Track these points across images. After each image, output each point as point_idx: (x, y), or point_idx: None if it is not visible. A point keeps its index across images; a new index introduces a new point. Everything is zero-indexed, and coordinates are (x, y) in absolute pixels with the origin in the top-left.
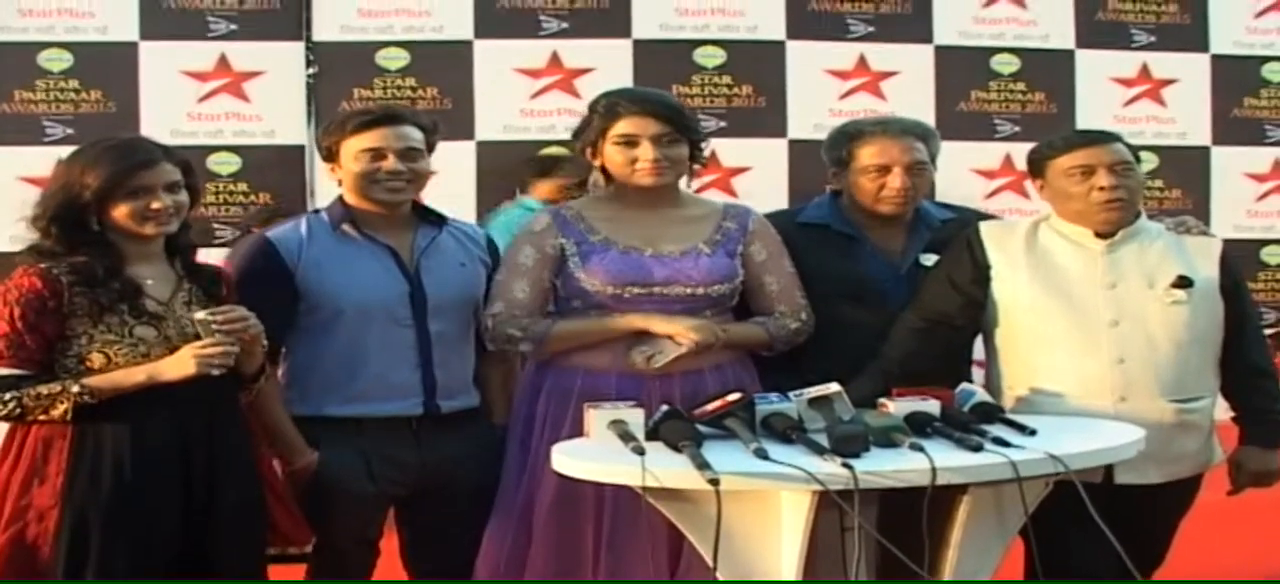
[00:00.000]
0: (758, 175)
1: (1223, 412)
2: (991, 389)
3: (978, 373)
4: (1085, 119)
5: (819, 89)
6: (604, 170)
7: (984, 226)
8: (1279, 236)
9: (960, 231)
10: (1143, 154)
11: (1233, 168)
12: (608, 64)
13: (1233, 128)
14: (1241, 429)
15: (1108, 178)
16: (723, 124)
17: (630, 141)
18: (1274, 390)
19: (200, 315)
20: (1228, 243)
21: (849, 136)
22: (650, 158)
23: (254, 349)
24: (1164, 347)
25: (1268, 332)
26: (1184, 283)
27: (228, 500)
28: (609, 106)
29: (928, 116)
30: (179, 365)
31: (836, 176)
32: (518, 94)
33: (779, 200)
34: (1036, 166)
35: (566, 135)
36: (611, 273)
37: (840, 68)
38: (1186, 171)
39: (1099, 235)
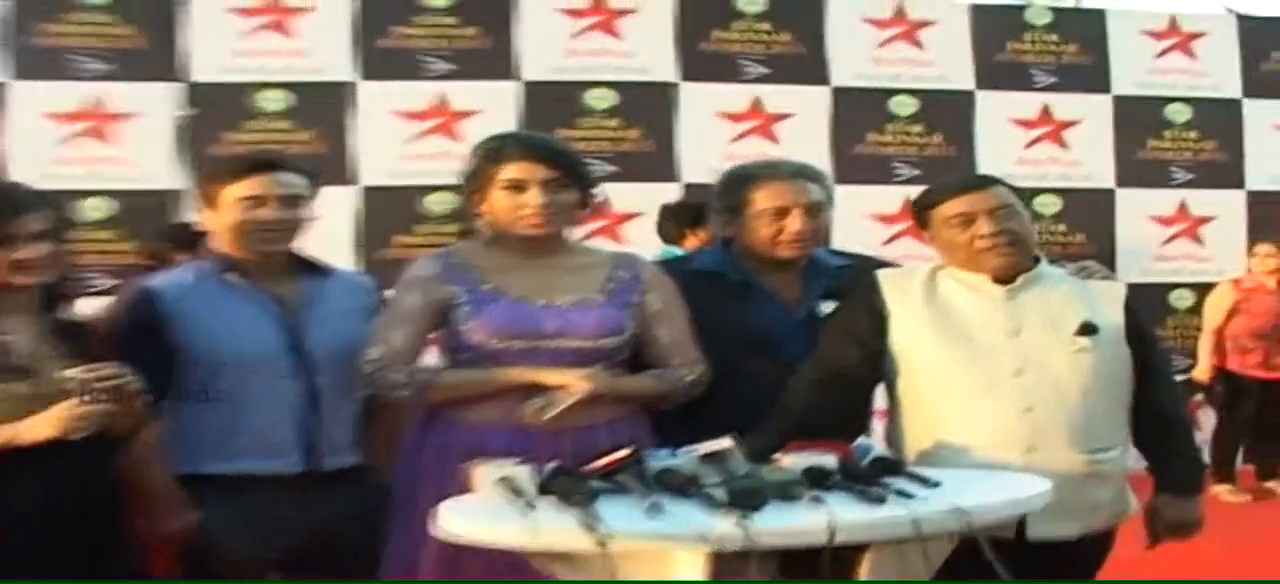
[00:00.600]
0: (648, 222)
1: (1134, 461)
2: (894, 442)
3: (878, 424)
4: (985, 161)
5: (711, 132)
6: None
7: (881, 275)
8: (1187, 280)
9: (858, 279)
10: (1046, 197)
11: (1138, 210)
12: (494, 107)
13: (1137, 170)
14: (1156, 478)
15: (988, 224)
16: (613, 168)
17: (518, 187)
18: (1186, 436)
19: (74, 373)
20: (1135, 287)
21: (741, 181)
22: (537, 203)
23: (133, 407)
24: (1071, 395)
25: (1180, 378)
26: (1088, 330)
27: (102, 567)
28: (493, 151)
29: (823, 160)
30: (40, 427)
31: (728, 224)
32: (399, 137)
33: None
34: (921, 217)
35: (449, 180)
36: (498, 324)
37: (733, 110)
38: (1091, 214)
39: (998, 280)
